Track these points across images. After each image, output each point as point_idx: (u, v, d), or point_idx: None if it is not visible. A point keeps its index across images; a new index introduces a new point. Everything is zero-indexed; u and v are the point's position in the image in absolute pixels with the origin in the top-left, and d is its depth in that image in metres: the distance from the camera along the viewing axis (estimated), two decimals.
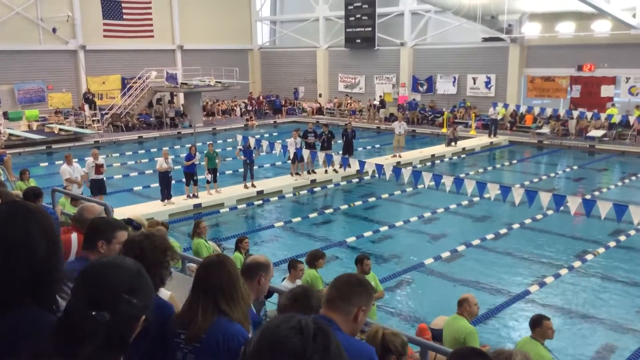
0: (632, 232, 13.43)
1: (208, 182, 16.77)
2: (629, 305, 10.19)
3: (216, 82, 31.39)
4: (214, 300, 2.72)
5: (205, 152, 16.86)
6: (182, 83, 30.45)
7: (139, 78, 30.97)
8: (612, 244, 13.04)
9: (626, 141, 24.69)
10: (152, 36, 33.46)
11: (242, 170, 17.83)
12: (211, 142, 18.06)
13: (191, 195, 16.36)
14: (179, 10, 34.44)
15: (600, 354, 8.64)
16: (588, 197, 14.95)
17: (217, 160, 16.80)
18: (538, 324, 6.08)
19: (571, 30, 25.65)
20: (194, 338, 2.68)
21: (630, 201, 14.25)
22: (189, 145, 16.99)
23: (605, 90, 26.28)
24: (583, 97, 26.83)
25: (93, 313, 1.53)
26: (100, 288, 1.60)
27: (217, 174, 17.02)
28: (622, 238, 13.34)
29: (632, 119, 24.27)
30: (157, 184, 16.15)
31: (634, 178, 20.14)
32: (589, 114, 25.27)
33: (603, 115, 24.85)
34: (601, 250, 12.67)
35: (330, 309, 2.58)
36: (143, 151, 25.30)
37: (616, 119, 24.51)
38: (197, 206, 16.09)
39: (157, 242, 3.23)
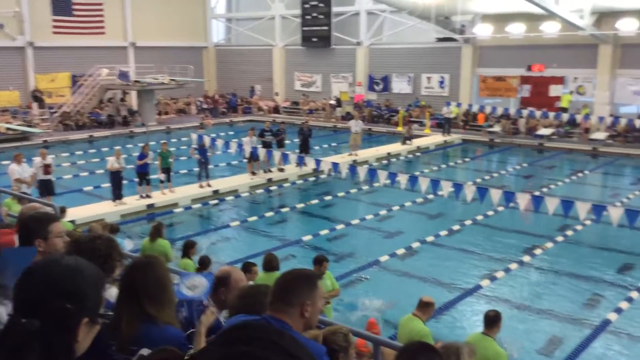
0: (579, 227, 13.88)
1: (161, 181, 16.50)
2: (576, 298, 10.52)
3: (170, 79, 30.93)
4: (141, 305, 2.58)
5: (158, 151, 16.60)
6: (134, 81, 29.88)
7: (90, 76, 30.21)
8: (559, 238, 13.45)
9: (573, 139, 25.51)
10: (103, 33, 32.66)
11: (197, 169, 17.62)
12: (165, 141, 17.77)
13: (144, 195, 16.06)
14: (131, 6, 33.71)
15: (548, 345, 8.89)
16: (537, 193, 15.37)
17: (170, 159, 16.56)
18: (497, 321, 6.02)
19: (521, 31, 26.29)
20: (124, 347, 2.49)
21: (576, 197, 14.71)
22: (142, 144, 16.69)
23: (554, 90, 27.07)
24: (532, 97, 27.57)
25: (23, 321, 1.44)
26: (30, 293, 1.50)
27: (171, 173, 16.77)
28: (569, 233, 13.77)
29: (579, 118, 25.09)
30: (109, 184, 15.81)
31: (580, 175, 20.84)
32: (538, 113, 26.02)
33: (552, 114, 25.63)
34: (549, 245, 13.05)
35: (273, 311, 2.51)
36: (94, 150, 24.71)
37: (567, 105, 25.42)
38: (150, 206, 15.81)
39: (105, 243, 3.15)
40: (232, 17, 39.58)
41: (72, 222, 11.74)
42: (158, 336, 2.53)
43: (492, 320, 6.06)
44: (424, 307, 6.51)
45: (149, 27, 34.17)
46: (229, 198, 17.30)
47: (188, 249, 9.14)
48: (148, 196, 16.10)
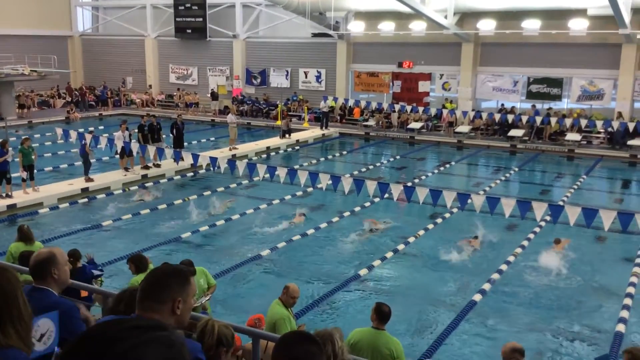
0: (447, 215, 14.79)
1: (23, 180, 15.34)
2: (445, 282, 11.20)
3: (31, 70, 28.70)
4: None
5: (19, 147, 15.39)
6: None
7: None
8: (430, 226, 14.24)
9: (441, 132, 27.12)
10: None
11: (65, 166, 16.54)
12: (27, 137, 16.51)
13: (4, 195, 14.84)
14: None
15: (422, 328, 9.38)
16: (409, 184, 16.15)
17: (33, 157, 15.43)
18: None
19: (391, 29, 27.42)
20: None
21: (444, 187, 15.65)
22: (0, 140, 15.36)
23: (422, 86, 28.58)
24: (403, 92, 28.92)
25: None
26: None
27: (34, 170, 15.62)
28: (439, 220, 14.63)
29: (445, 112, 26.70)
30: None
31: (447, 165, 22.21)
32: (409, 108, 27.34)
33: (421, 109, 27.06)
34: (421, 232, 13.77)
35: (142, 309, 2.35)
36: None
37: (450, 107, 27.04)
38: (12, 207, 14.61)
39: None
40: (99, 5, 37.52)
41: None
42: None
43: (385, 316, 6.49)
44: (286, 291, 6.86)
45: (5, 13, 31.48)
46: (100, 196, 16.42)
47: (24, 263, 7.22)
48: (9, 196, 14.90)
